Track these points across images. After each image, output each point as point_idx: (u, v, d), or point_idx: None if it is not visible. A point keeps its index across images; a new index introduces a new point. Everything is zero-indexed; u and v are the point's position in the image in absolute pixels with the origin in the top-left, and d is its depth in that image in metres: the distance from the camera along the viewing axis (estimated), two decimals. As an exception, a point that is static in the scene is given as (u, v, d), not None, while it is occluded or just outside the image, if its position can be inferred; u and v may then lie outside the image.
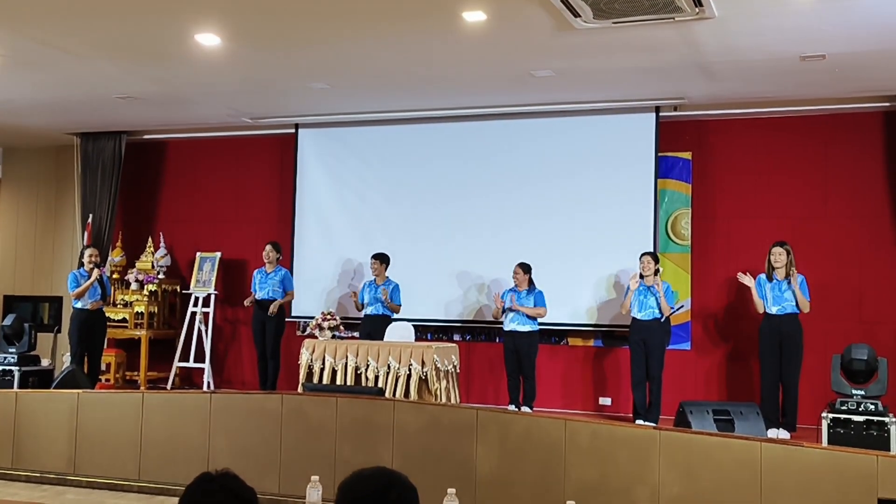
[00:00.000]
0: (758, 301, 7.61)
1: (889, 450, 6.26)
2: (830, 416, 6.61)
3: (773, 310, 7.52)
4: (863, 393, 6.66)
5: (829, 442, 6.46)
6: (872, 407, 6.55)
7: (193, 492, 2.10)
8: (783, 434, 7.22)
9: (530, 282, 8.26)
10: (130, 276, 10.20)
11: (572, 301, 8.73)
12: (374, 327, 8.55)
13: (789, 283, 7.47)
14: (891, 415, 6.52)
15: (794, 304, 7.46)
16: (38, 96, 8.81)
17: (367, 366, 7.62)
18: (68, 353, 9.20)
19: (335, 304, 9.52)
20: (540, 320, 8.27)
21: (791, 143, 8.53)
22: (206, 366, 9.81)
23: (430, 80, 7.95)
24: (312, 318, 8.36)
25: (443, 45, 6.90)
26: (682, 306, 8.59)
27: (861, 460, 4.93)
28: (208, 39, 6.89)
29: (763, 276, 7.60)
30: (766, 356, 7.53)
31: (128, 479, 6.36)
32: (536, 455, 5.50)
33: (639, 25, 6.19)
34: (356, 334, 8.74)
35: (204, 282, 10.03)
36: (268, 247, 9.11)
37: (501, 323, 8.37)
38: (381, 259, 8.80)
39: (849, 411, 6.58)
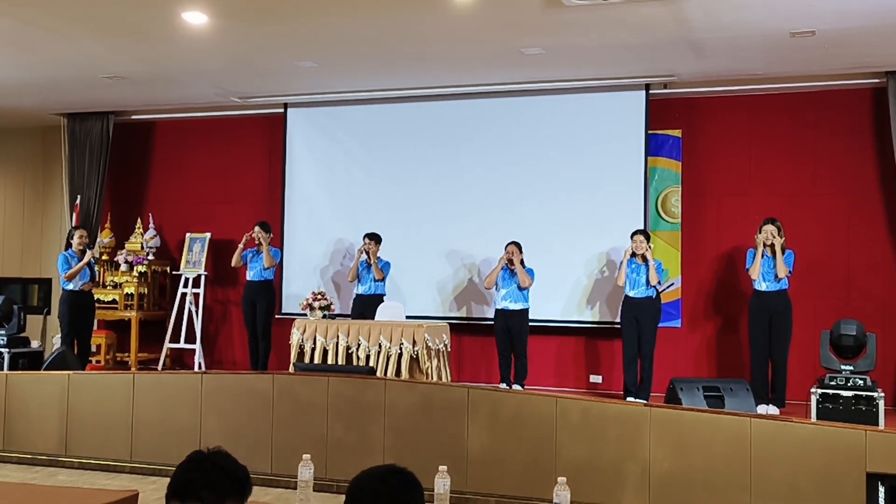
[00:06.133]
0: (754, 268, 7.56)
1: (878, 425, 6.30)
2: (819, 391, 6.65)
3: (763, 286, 7.54)
4: (851, 368, 6.71)
5: (818, 417, 6.50)
6: (861, 382, 6.59)
7: (185, 470, 2.08)
8: (773, 410, 7.26)
9: (521, 262, 8.25)
10: (120, 258, 10.15)
11: (563, 282, 8.73)
12: (366, 307, 8.55)
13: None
14: (879, 390, 6.57)
15: (784, 279, 7.49)
16: (23, 76, 8.72)
17: (359, 345, 7.62)
18: (58, 335, 9.16)
19: (326, 283, 9.51)
20: (532, 315, 8.30)
21: (780, 119, 8.52)
22: (197, 346, 9.80)
23: (418, 58, 7.90)
24: (295, 314, 8.34)
25: (431, 22, 6.85)
26: (672, 284, 8.61)
27: (850, 435, 4.97)
28: (195, 17, 6.82)
29: (752, 251, 7.62)
30: (756, 333, 7.56)
31: (120, 460, 6.37)
32: (528, 433, 5.53)
33: (628, 2, 6.15)
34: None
35: (194, 262, 10.00)
36: (256, 227, 9.07)
37: (491, 319, 8.42)
38: (374, 238, 8.76)
39: (838, 386, 6.63)
